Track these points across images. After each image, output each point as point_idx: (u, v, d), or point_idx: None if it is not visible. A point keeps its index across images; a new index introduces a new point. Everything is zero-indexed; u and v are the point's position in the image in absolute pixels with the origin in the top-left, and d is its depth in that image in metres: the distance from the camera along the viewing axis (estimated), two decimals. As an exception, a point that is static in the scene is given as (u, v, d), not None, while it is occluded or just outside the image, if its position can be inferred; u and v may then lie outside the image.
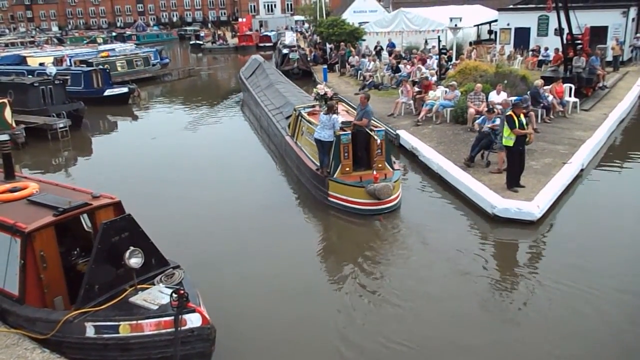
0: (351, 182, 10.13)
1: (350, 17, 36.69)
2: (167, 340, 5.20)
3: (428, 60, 22.59)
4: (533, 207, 9.24)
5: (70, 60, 30.78)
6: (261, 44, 53.51)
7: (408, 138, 13.77)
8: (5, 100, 16.13)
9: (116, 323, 5.35)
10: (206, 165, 13.86)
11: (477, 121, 12.77)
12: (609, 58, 22.99)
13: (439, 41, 21.42)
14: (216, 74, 40.45)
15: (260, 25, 68.94)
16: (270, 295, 7.40)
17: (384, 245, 8.91)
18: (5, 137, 8.38)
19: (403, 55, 25.36)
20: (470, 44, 28.39)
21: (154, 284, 5.85)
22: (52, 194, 6.59)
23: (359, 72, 24.39)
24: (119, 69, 29.91)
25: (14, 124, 16.26)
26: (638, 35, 25.34)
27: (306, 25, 60.66)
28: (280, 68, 27.94)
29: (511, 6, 28.68)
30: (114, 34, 70.25)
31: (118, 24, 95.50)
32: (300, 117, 12.38)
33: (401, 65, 22.06)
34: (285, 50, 30.79)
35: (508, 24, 26.56)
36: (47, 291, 5.83)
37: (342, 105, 12.89)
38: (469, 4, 36.74)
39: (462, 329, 6.47)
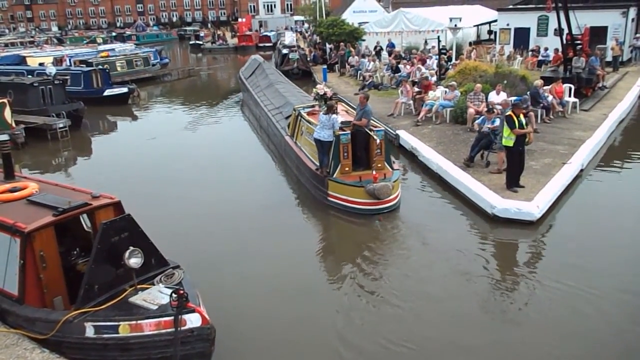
0: (351, 181, 10.14)
1: (349, 17, 36.67)
2: (166, 341, 5.20)
3: (428, 61, 22.59)
4: (533, 207, 9.25)
5: (70, 60, 30.77)
6: (261, 44, 53.49)
7: (408, 138, 13.77)
8: (5, 100, 16.13)
9: (116, 323, 5.35)
10: (206, 165, 13.86)
11: (476, 121, 12.77)
12: (609, 58, 23.00)
13: (439, 41, 21.42)
14: (216, 74, 40.44)
15: (260, 26, 68.96)
16: (270, 295, 7.40)
17: (384, 245, 8.90)
18: (5, 137, 8.36)
19: (403, 55, 25.36)
20: (470, 44, 28.39)
21: (154, 284, 5.85)
22: (52, 194, 6.59)
23: (359, 72, 24.40)
24: (119, 69, 29.91)
25: (13, 124, 16.25)
26: (638, 35, 25.37)
27: (306, 25, 60.65)
28: (280, 68, 27.94)
29: (511, 6, 28.68)
30: (113, 34, 70.23)
31: (118, 24, 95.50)
32: (299, 117, 12.38)
33: (401, 66, 22.06)
34: (285, 51, 30.78)
35: (508, 24, 26.57)
36: (47, 291, 5.83)
37: (341, 105, 12.89)
38: (469, 4, 36.77)
39: (462, 329, 6.47)
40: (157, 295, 5.59)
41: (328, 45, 32.18)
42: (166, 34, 75.45)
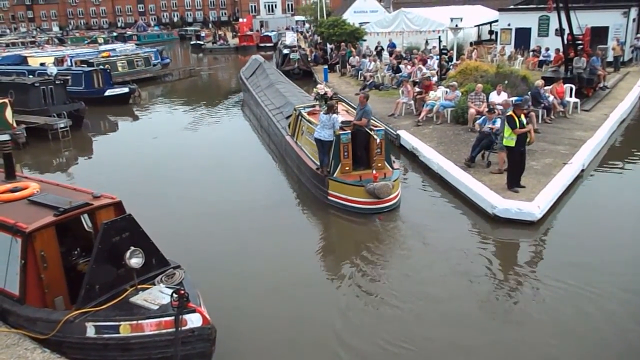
0: (351, 181, 10.16)
1: (350, 17, 36.67)
2: (167, 341, 5.21)
3: (429, 61, 22.60)
4: (533, 207, 9.24)
5: (71, 60, 30.78)
6: (262, 44, 53.50)
7: (408, 138, 13.77)
8: (6, 100, 16.15)
9: (117, 323, 5.36)
10: (206, 165, 13.87)
11: (477, 121, 12.77)
12: (610, 58, 22.96)
13: (440, 41, 21.41)
14: (217, 74, 40.46)
15: (261, 26, 68.93)
16: (270, 295, 7.40)
17: (384, 245, 8.90)
18: (6, 137, 8.39)
19: (404, 55, 25.35)
20: (471, 44, 28.38)
21: (155, 284, 5.85)
22: (53, 194, 6.59)
23: (360, 72, 24.39)
24: (120, 69, 29.92)
25: (14, 124, 16.27)
26: (639, 35, 25.33)
27: (307, 25, 60.64)
28: (281, 68, 27.95)
29: (512, 6, 28.67)
30: (114, 34, 70.24)
31: (119, 24, 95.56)
32: (300, 117, 12.40)
33: (402, 66, 22.06)
34: (285, 51, 30.78)
35: (509, 24, 26.55)
36: (48, 291, 5.84)
37: (341, 105, 12.91)
38: (470, 4, 36.73)
39: (462, 330, 6.46)
40: (157, 295, 5.60)
41: (329, 46, 32.19)
42: (167, 34, 75.45)
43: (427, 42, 27.69)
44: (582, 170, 11.56)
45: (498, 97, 13.79)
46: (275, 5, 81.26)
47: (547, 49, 23.17)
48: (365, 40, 30.50)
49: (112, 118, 21.88)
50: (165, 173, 13.33)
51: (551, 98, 15.02)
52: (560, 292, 7.16)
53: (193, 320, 5.21)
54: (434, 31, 27.71)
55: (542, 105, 14.57)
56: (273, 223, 9.93)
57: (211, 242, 9.17)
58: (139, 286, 5.77)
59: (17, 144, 15.33)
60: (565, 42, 16.93)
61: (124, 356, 5.40)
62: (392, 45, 28.76)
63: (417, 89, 16.89)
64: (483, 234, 9.15)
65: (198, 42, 61.01)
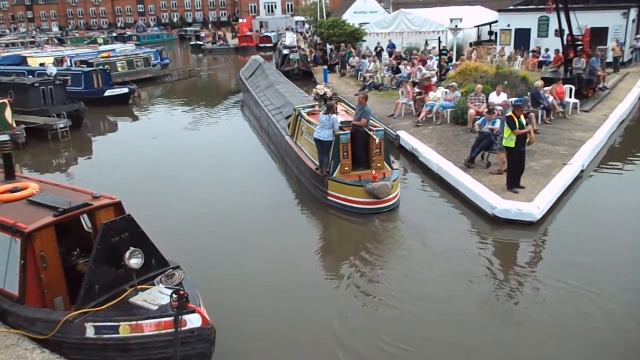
0: (350, 181, 10.17)
1: (350, 17, 36.70)
2: (167, 341, 5.20)
3: (428, 61, 22.62)
4: (533, 208, 9.25)
5: (70, 60, 30.76)
6: (261, 45, 53.51)
7: (408, 139, 13.77)
8: (6, 101, 16.14)
9: (116, 323, 5.35)
10: (206, 165, 13.87)
11: (477, 122, 12.78)
12: (609, 59, 22.98)
13: (439, 42, 21.44)
14: (216, 74, 40.47)
15: (261, 26, 69.00)
16: (270, 296, 7.40)
17: (384, 246, 8.91)
18: (5, 137, 8.39)
19: (403, 56, 25.38)
20: (471, 44, 28.39)
21: (154, 285, 5.85)
22: (52, 194, 6.59)
23: (359, 72, 24.40)
24: (120, 69, 29.91)
25: (14, 124, 16.26)
26: (638, 36, 25.34)
27: (306, 26, 60.67)
28: (281, 69, 27.95)
29: (511, 7, 28.69)
30: (114, 34, 70.28)
31: (118, 25, 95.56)
32: (299, 117, 12.40)
33: (401, 66, 22.08)
34: (285, 51, 30.78)
35: (508, 25, 26.57)
36: (47, 291, 5.84)
37: (341, 105, 12.91)
38: (470, 4, 36.77)
39: (463, 330, 6.46)
40: (157, 295, 5.59)
41: (328, 46, 32.20)
42: (167, 35, 75.48)
43: (426, 42, 27.71)
44: (582, 171, 11.56)
45: (497, 98, 13.80)
46: (275, 6, 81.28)
47: (547, 50, 23.19)
48: (364, 41, 30.50)
49: (112, 118, 21.87)
50: (164, 173, 13.33)
51: (551, 99, 15.03)
52: (561, 292, 7.16)
53: (192, 321, 5.21)
54: (433, 32, 27.75)
55: (542, 105, 14.58)
56: (272, 223, 9.93)
57: (211, 242, 9.17)
58: (139, 286, 5.76)
59: (17, 144, 15.32)
60: (565, 42, 16.94)
61: (123, 356, 5.39)
62: (391, 46, 28.79)
63: (416, 90, 16.90)
64: (483, 235, 9.15)
65: (198, 42, 61.01)
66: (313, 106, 12.94)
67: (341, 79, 26.11)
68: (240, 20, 64.14)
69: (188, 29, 78.71)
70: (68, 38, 66.78)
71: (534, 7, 25.56)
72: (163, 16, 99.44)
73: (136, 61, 31.90)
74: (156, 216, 9.51)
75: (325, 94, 12.41)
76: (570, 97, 15.97)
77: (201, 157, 14.84)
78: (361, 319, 6.78)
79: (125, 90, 24.15)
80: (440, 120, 15.12)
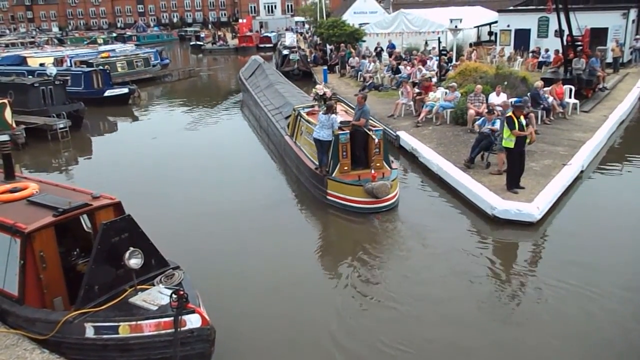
0: (349, 180, 10.19)
1: (350, 18, 36.71)
2: (166, 341, 5.20)
3: (428, 62, 22.62)
4: (533, 208, 9.25)
5: (70, 60, 30.77)
6: (261, 45, 53.52)
7: (408, 139, 13.78)
8: (6, 101, 16.14)
9: (116, 324, 5.36)
10: (206, 165, 13.86)
11: (477, 122, 12.79)
12: (609, 60, 22.98)
13: (439, 42, 21.44)
14: (216, 74, 40.47)
15: (261, 26, 68.98)
16: (270, 296, 7.40)
17: (384, 246, 8.91)
18: (5, 137, 8.38)
19: (403, 56, 25.38)
20: (471, 45, 28.39)
21: (154, 285, 5.85)
22: (52, 194, 6.59)
23: (359, 73, 24.40)
24: (119, 69, 29.91)
25: (14, 125, 16.26)
26: (638, 36, 25.35)
27: (306, 26, 60.70)
28: (281, 69, 27.96)
29: (511, 7, 28.69)
30: (114, 34, 70.30)
31: (118, 25, 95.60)
32: (299, 117, 12.41)
33: (401, 67, 22.08)
34: (285, 51, 30.79)
35: (508, 26, 26.56)
36: (47, 292, 5.84)
37: (340, 105, 12.92)
38: (469, 5, 36.78)
39: (463, 331, 6.45)
40: (157, 295, 5.59)
41: (328, 46, 32.21)
42: (167, 35, 75.50)
43: (426, 43, 27.71)
44: (582, 171, 11.56)
45: (497, 98, 13.80)
46: (275, 6, 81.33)
47: (547, 50, 23.20)
48: (364, 41, 30.52)
49: (112, 118, 21.87)
50: (164, 173, 13.33)
51: (550, 99, 15.03)
52: (561, 292, 7.16)
53: (192, 321, 5.21)
54: (433, 32, 27.75)
55: (542, 106, 14.58)
56: (272, 223, 9.93)
57: (210, 242, 9.17)
58: (138, 287, 5.76)
59: (17, 144, 15.32)
60: (565, 43, 16.95)
61: (123, 357, 5.39)
62: (391, 46, 28.79)
63: (416, 90, 16.91)
64: (483, 235, 9.15)
65: (198, 42, 61.04)
66: (312, 106, 12.94)
67: (341, 79, 26.11)
68: (240, 21, 64.19)
69: (188, 29, 78.75)
70: (68, 38, 66.81)
71: (533, 7, 25.57)
72: (163, 16, 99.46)
73: (136, 61, 31.90)
74: (156, 216, 9.50)
75: (324, 94, 12.42)
76: (570, 97, 15.98)
77: (201, 157, 14.84)
78: (360, 320, 6.77)
79: (125, 90, 24.15)
80: (440, 120, 15.12)
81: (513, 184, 10.02)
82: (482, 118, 12.39)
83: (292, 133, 12.91)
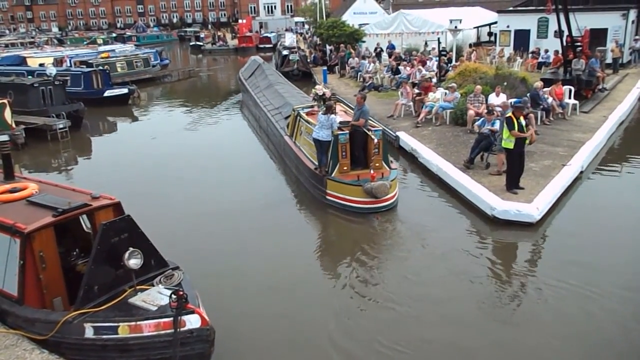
0: (349, 180, 10.20)
1: (350, 18, 36.72)
2: (166, 342, 5.20)
3: (428, 62, 22.63)
4: (532, 209, 9.25)
5: (70, 61, 30.78)
6: (261, 45, 53.56)
7: (408, 140, 13.78)
8: (5, 101, 16.14)
9: (115, 324, 5.35)
10: (205, 165, 13.87)
11: (476, 123, 12.79)
12: (609, 60, 23.00)
13: (439, 43, 21.44)
14: (216, 75, 40.46)
15: (260, 27, 68.95)
16: (269, 296, 7.40)
17: (383, 247, 8.91)
18: (5, 137, 8.36)
19: (403, 57, 25.39)
20: (470, 45, 28.42)
21: (153, 285, 5.84)
22: (52, 194, 6.58)
23: (359, 73, 24.40)
24: (119, 69, 29.92)
25: (13, 125, 16.26)
26: (637, 37, 25.36)
27: (306, 26, 60.72)
28: (280, 69, 27.97)
29: (511, 8, 28.72)
30: (114, 34, 70.32)
31: (118, 25, 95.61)
32: (298, 117, 12.42)
33: (401, 67, 22.08)
34: (285, 52, 30.80)
35: (508, 26, 26.57)
36: (46, 292, 5.83)
37: (340, 105, 12.94)
38: (469, 6, 36.79)
39: (463, 331, 6.45)
40: (156, 296, 5.59)
41: (328, 47, 32.21)
42: (166, 35, 75.49)
43: (426, 43, 27.73)
44: (581, 172, 11.57)
45: (497, 99, 13.80)
46: (275, 7, 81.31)
47: (546, 51, 23.21)
48: (364, 42, 30.52)
49: (111, 119, 21.87)
50: (164, 173, 13.32)
51: (550, 100, 15.04)
52: (562, 292, 7.16)
53: (192, 321, 5.21)
54: (433, 33, 27.76)
55: (541, 106, 14.59)
56: (272, 223, 9.93)
57: (210, 242, 9.17)
58: (138, 287, 5.76)
59: (16, 144, 15.32)
60: (564, 43, 16.96)
61: (122, 357, 5.39)
62: (391, 47, 28.80)
63: (416, 91, 16.91)
64: (482, 235, 9.15)
65: (197, 43, 61.04)
66: (312, 106, 12.94)
67: (341, 79, 26.12)
68: (240, 21, 64.22)
69: (188, 29, 78.78)
70: (68, 38, 66.87)
71: (533, 8, 25.59)
72: (163, 17, 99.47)
73: (136, 62, 31.91)
74: (155, 216, 9.51)
75: (324, 94, 12.42)
76: (569, 98, 15.98)
77: (200, 157, 14.84)
78: (359, 320, 6.77)
79: (125, 90, 24.15)
80: (439, 121, 15.13)
81: (513, 185, 10.03)
82: (482, 119, 12.40)
83: (292, 133, 12.92)
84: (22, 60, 32.30)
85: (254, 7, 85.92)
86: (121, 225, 5.86)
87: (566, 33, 16.63)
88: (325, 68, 27.31)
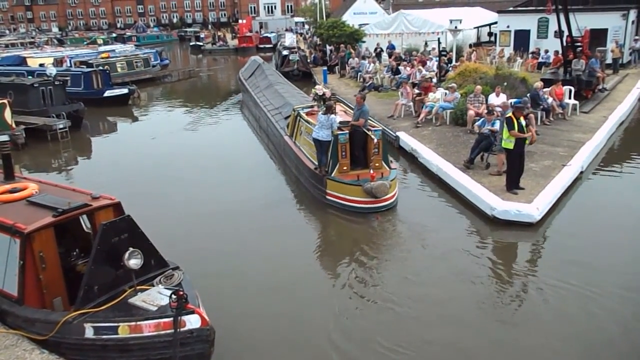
0: (348, 180, 10.21)
1: (350, 18, 36.75)
2: (166, 342, 5.20)
3: (428, 62, 22.63)
4: (532, 209, 9.25)
5: (70, 61, 30.78)
6: (261, 46, 53.58)
7: (408, 140, 13.78)
8: (5, 101, 16.14)
9: (115, 324, 5.35)
10: (206, 165, 13.87)
11: (476, 123, 12.79)
12: (609, 60, 23.00)
13: (439, 43, 21.45)
14: (216, 75, 40.46)
15: (260, 27, 68.96)
16: (269, 296, 7.39)
17: (383, 247, 8.91)
18: (5, 137, 8.36)
19: (403, 57, 25.40)
20: (470, 46, 28.42)
21: (154, 285, 5.84)
22: (52, 194, 6.58)
23: (359, 73, 24.41)
24: (119, 70, 29.91)
25: (13, 125, 16.26)
26: (637, 37, 25.37)
27: (306, 26, 60.73)
28: (280, 69, 27.98)
29: (511, 8, 28.73)
30: (114, 35, 70.35)
31: (118, 25, 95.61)
32: (298, 117, 12.42)
33: (401, 67, 22.08)
34: (285, 52, 30.81)
35: (508, 26, 26.56)
36: (46, 292, 5.83)
37: (340, 105, 12.94)
38: (469, 6, 36.80)
39: (463, 332, 6.45)
40: (156, 296, 5.59)
41: (328, 47, 32.21)
42: (166, 35, 75.49)
43: (426, 43, 27.73)
44: (581, 172, 11.57)
45: (497, 99, 13.80)
46: (275, 7, 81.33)
47: (546, 51, 23.21)
48: (364, 42, 30.53)
49: (111, 119, 21.87)
50: (164, 173, 13.32)
51: (550, 100, 15.04)
52: (562, 292, 7.16)
53: (192, 322, 5.20)
54: (433, 33, 27.77)
55: (541, 107, 14.59)
56: (272, 223, 9.93)
57: (210, 242, 9.16)
58: (138, 287, 5.76)
59: (16, 144, 15.32)
60: (565, 44, 16.96)
61: (122, 357, 5.39)
62: (391, 47, 28.81)
63: (416, 91, 16.91)
64: (482, 236, 9.15)
65: (197, 43, 61.05)
66: (312, 106, 12.95)
67: (341, 80, 26.12)
68: (240, 21, 64.26)
69: (188, 29, 78.81)
70: (68, 39, 66.88)
71: (533, 8, 25.60)
72: (163, 17, 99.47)
73: (136, 62, 31.90)
74: (156, 216, 9.51)
75: (324, 94, 12.42)
76: (569, 98, 15.98)
77: (201, 157, 14.84)
78: (358, 321, 6.76)
79: (125, 90, 24.15)
80: (439, 121, 15.13)
81: (513, 185, 10.03)
82: (482, 119, 12.40)
83: (292, 133, 12.92)
84: (22, 61, 32.32)
85: (254, 7, 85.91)
86: (121, 225, 5.85)
87: (566, 33, 16.64)
88: (325, 68, 27.33)
